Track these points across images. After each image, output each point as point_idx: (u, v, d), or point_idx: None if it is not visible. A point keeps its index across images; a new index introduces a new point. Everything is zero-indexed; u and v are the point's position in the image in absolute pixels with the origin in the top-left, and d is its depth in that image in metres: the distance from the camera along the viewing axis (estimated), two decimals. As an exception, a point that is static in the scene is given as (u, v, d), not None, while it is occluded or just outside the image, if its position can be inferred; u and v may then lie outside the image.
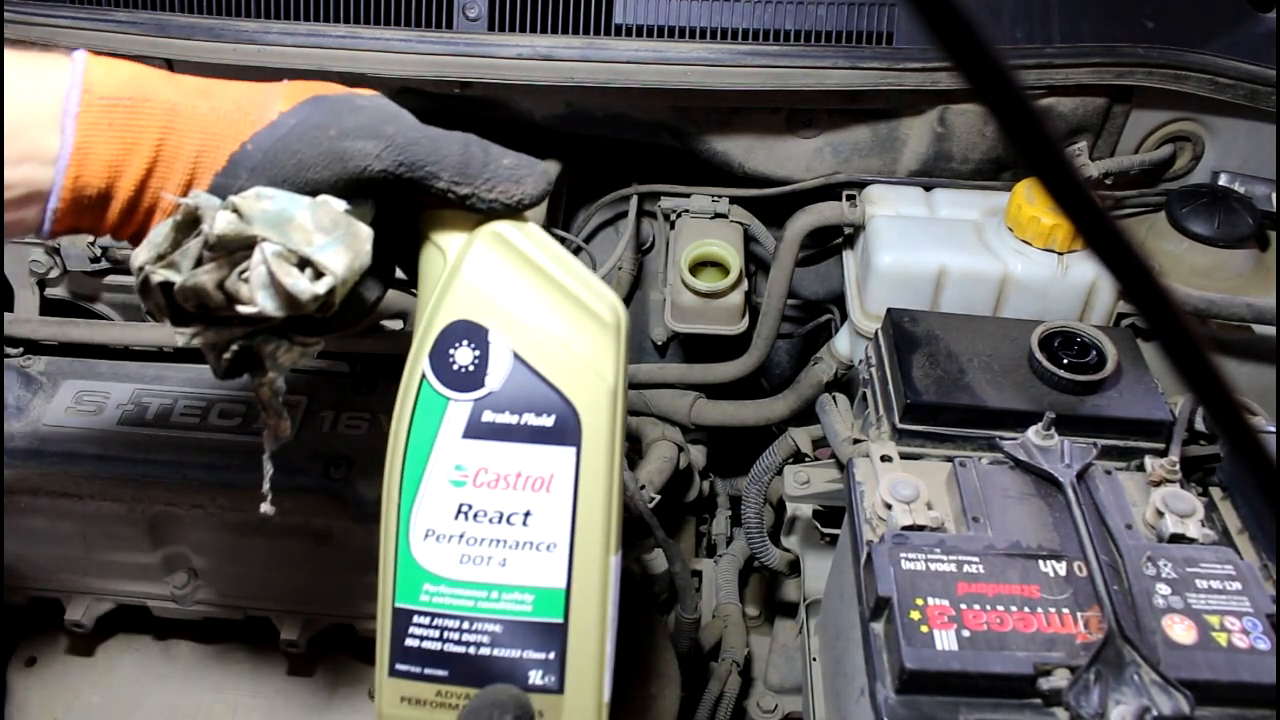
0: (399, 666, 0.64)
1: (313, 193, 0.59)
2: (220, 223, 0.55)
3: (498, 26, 1.23)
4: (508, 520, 0.59)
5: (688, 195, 1.46)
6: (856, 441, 1.02)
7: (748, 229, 1.47)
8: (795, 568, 1.30)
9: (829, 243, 1.49)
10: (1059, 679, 0.76)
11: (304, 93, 0.63)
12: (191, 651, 1.24)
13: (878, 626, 0.82)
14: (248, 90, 0.62)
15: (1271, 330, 1.20)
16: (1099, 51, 1.22)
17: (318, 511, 1.07)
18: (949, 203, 1.31)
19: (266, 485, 0.66)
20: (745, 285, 1.39)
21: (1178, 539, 0.86)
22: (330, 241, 0.56)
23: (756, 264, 1.57)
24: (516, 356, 0.59)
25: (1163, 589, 0.81)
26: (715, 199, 1.45)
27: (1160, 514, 0.87)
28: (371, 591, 1.12)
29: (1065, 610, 0.80)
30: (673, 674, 1.15)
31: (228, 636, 1.24)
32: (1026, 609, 0.80)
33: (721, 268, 1.40)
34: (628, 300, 1.59)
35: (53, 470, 1.09)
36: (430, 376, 0.60)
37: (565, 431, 0.58)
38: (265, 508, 0.67)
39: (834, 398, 1.14)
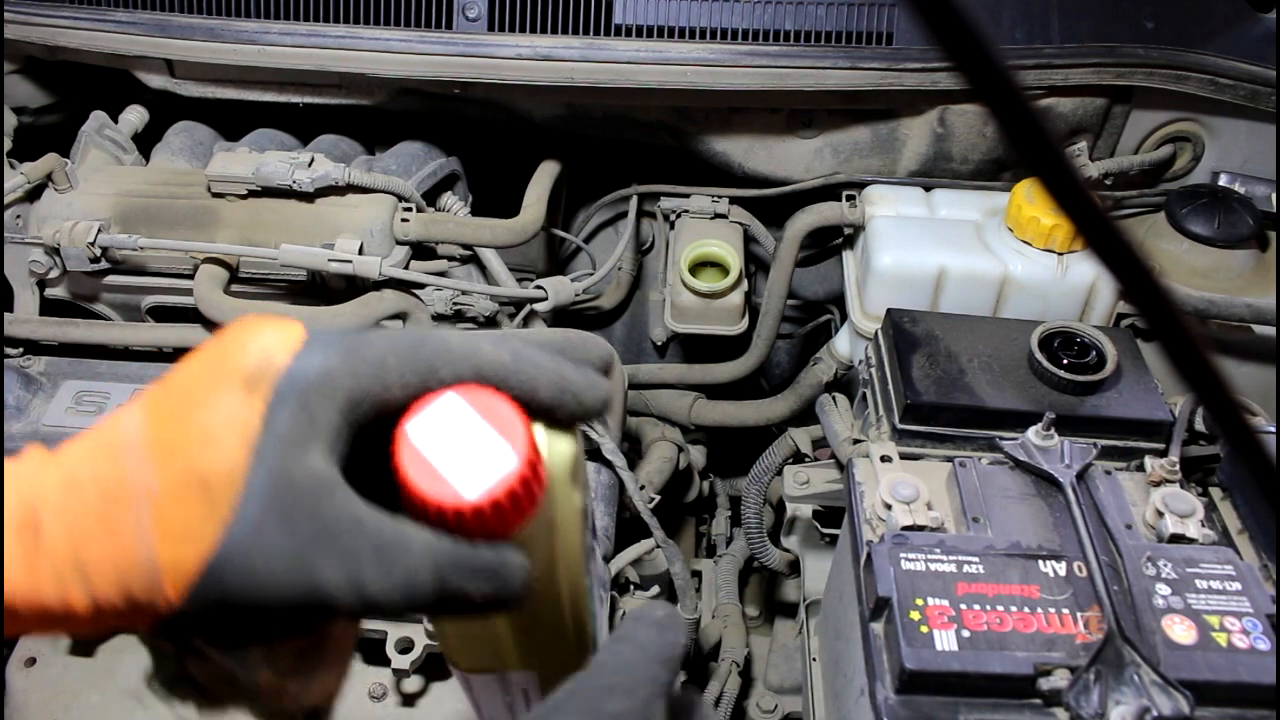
0: None
1: None
2: None
3: (498, 27, 1.23)
4: None
5: (688, 195, 1.46)
6: (856, 442, 1.02)
7: (748, 229, 1.47)
8: (795, 568, 1.30)
9: (829, 243, 1.49)
10: (1059, 679, 0.75)
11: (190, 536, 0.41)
12: (191, 652, 1.23)
13: (878, 627, 0.82)
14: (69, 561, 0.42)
15: (1271, 330, 1.20)
16: (1099, 52, 1.22)
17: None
18: (949, 203, 1.31)
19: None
20: (745, 285, 1.39)
21: (1178, 539, 0.86)
22: None
23: (756, 264, 1.57)
24: None
25: (1163, 589, 0.81)
26: (715, 199, 1.45)
27: (1160, 514, 0.87)
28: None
29: (1065, 610, 0.80)
30: (673, 674, 1.15)
31: (227, 637, 1.24)
32: (1026, 609, 0.80)
33: (721, 268, 1.40)
34: (627, 301, 1.59)
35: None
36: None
37: None
38: None
39: (834, 398, 1.14)
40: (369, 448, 0.45)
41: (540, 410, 0.45)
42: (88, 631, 0.43)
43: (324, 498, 0.41)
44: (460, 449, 0.42)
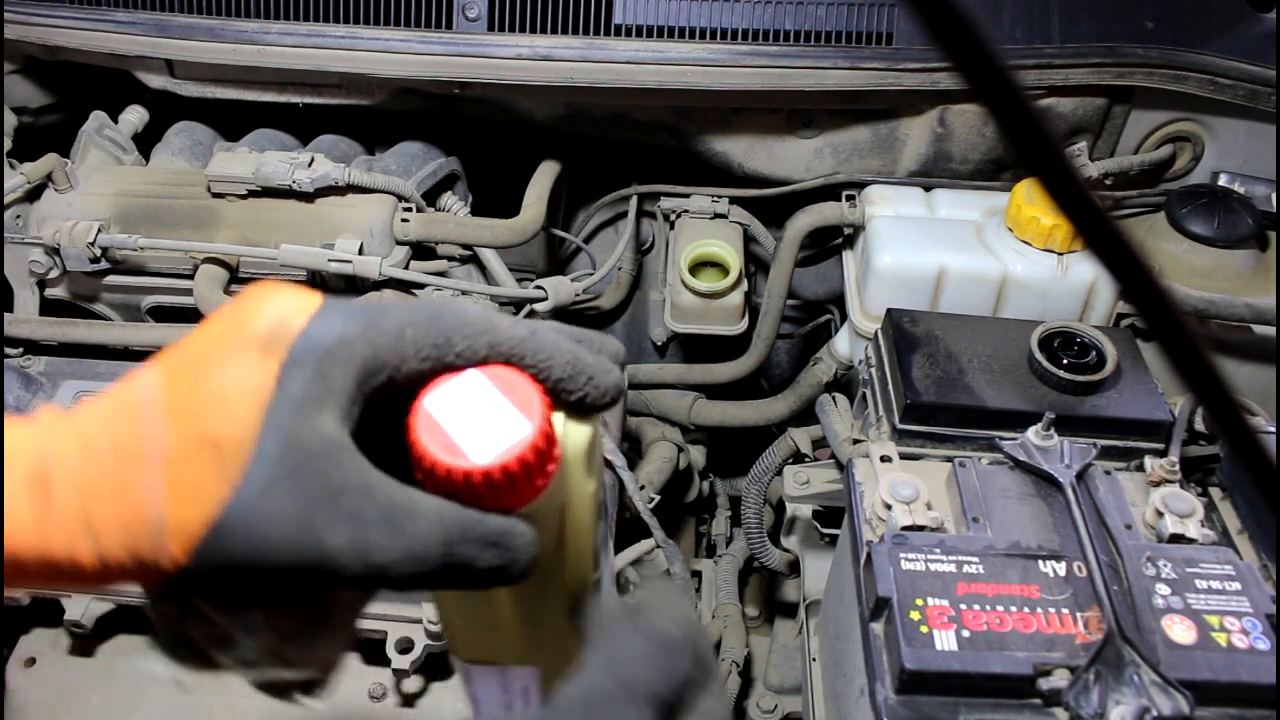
0: None
1: None
2: None
3: (497, 27, 1.23)
4: None
5: (687, 195, 1.46)
6: (856, 442, 1.02)
7: (748, 229, 1.47)
8: (795, 568, 1.30)
9: (829, 243, 1.49)
10: (1059, 679, 0.76)
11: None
12: (191, 652, 1.23)
13: (877, 627, 0.82)
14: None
15: (1271, 330, 1.20)
16: (1099, 51, 1.23)
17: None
18: (949, 203, 1.31)
19: None
20: (745, 285, 1.39)
21: (1177, 539, 0.86)
22: None
23: (756, 264, 1.57)
24: None
25: (1162, 589, 0.81)
26: (715, 199, 1.45)
27: (1160, 514, 0.87)
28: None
29: (1065, 610, 0.80)
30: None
31: (227, 637, 1.24)
32: (1026, 609, 0.80)
33: (721, 268, 1.40)
34: (627, 301, 1.59)
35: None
36: None
37: None
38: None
39: (834, 398, 1.14)
40: (382, 422, 0.45)
41: (555, 389, 0.45)
42: (93, 586, 0.45)
43: (333, 461, 0.41)
44: (475, 419, 0.42)
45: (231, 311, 0.44)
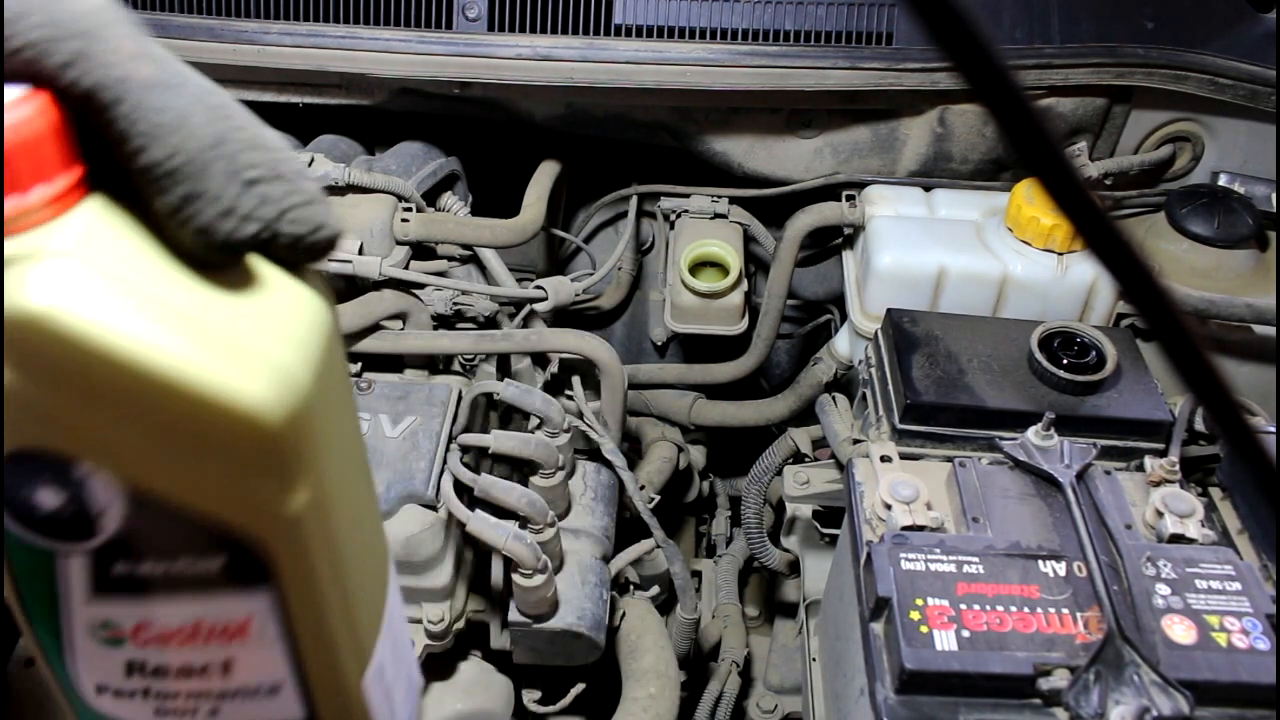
0: None
1: None
2: None
3: (497, 27, 1.23)
4: (201, 673, 0.42)
5: (687, 195, 1.46)
6: (856, 442, 1.02)
7: (747, 229, 1.47)
8: (795, 568, 1.30)
9: (829, 243, 1.49)
10: (1059, 679, 0.76)
11: None
12: (191, 652, 1.23)
13: (877, 627, 0.82)
14: None
15: (1271, 330, 1.20)
16: (1099, 52, 1.23)
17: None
18: (949, 203, 1.31)
19: None
20: (745, 285, 1.39)
21: (1177, 539, 0.86)
22: None
23: (756, 264, 1.57)
24: (135, 492, 0.37)
25: (1162, 589, 0.81)
26: (715, 199, 1.45)
27: (1160, 514, 0.87)
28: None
29: (1065, 610, 0.80)
30: (672, 674, 1.15)
31: (227, 636, 1.24)
32: (1026, 609, 0.80)
33: (721, 268, 1.40)
34: (627, 301, 1.59)
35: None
36: (9, 523, 0.38)
37: (247, 572, 0.40)
38: None
39: (834, 398, 1.14)
40: None
41: (138, 172, 0.34)
42: None
43: None
44: None
45: None
